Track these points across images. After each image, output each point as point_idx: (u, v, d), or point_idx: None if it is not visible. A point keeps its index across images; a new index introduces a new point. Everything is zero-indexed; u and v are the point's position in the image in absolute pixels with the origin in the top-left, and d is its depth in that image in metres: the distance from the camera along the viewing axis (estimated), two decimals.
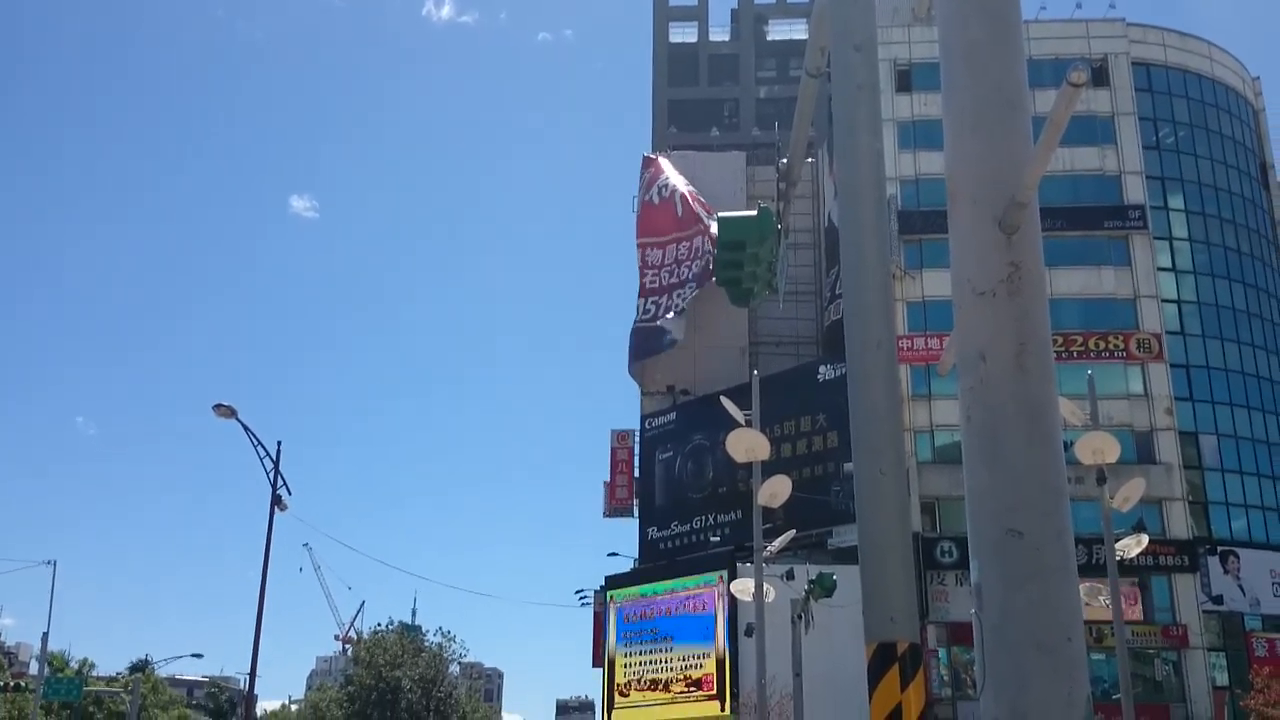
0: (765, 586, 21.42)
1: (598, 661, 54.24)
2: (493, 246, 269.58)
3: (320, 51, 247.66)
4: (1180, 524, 46.09)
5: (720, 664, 46.98)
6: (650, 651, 50.68)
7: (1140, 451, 46.28)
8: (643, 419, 58.34)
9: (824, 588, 23.28)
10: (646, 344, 58.51)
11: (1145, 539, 21.67)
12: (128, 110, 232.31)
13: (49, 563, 67.84)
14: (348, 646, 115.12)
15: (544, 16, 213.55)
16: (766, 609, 21.48)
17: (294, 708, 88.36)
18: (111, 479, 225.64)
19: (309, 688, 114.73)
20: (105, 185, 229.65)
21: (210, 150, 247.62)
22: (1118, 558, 20.40)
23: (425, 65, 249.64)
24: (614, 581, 54.70)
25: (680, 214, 59.64)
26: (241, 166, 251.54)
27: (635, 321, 59.45)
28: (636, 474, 58.50)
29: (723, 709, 45.85)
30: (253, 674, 36.08)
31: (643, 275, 60.47)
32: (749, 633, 22.20)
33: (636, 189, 63.62)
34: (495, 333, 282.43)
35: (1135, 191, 50.83)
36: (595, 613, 56.22)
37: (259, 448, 34.86)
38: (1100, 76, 51.99)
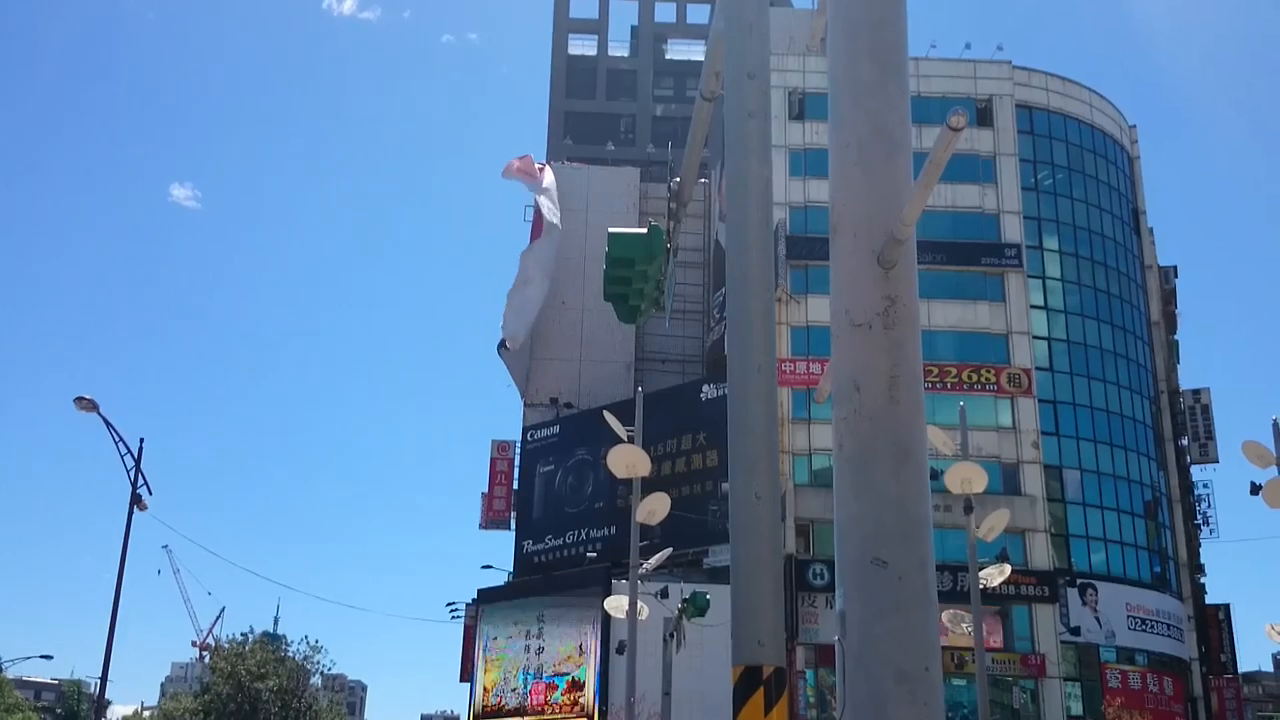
0: (639, 604, 21.43)
1: (465, 676, 53.57)
2: (379, 248, 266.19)
3: (213, 38, 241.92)
4: (1042, 555, 47.37)
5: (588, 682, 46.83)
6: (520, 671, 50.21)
7: (1006, 483, 47.52)
8: (525, 431, 58.02)
9: (697, 607, 23.38)
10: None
11: (1008, 569, 22.23)
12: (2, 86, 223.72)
13: None
14: (205, 653, 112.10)
15: (449, 18, 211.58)
16: (639, 627, 21.49)
17: (147, 714, 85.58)
18: None
19: (163, 694, 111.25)
20: None
21: (90, 133, 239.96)
22: (981, 586, 20.92)
23: (323, 60, 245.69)
24: (486, 595, 54.10)
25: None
26: (122, 151, 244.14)
27: None
28: (516, 486, 58.13)
29: None
30: (104, 678, 34.77)
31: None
32: (620, 650, 22.19)
33: (530, 197, 63.57)
34: (377, 336, 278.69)
35: (1013, 230, 52.32)
36: (466, 626, 55.55)
37: (120, 444, 33.75)
38: (985, 116, 53.45)
